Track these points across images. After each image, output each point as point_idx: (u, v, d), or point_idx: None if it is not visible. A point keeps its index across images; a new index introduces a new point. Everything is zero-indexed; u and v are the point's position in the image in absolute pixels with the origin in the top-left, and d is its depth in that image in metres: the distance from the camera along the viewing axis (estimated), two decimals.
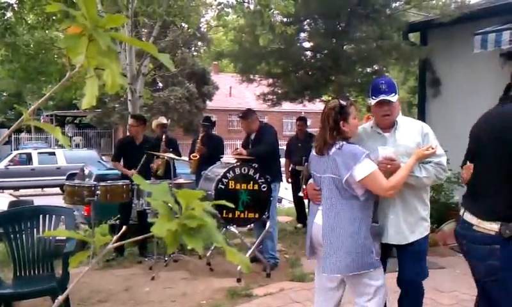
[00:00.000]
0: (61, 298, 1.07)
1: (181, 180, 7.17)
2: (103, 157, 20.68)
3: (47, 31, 11.71)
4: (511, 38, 6.68)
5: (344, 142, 3.38)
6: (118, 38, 1.20)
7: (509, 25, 6.91)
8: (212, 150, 7.64)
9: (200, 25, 16.44)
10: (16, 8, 9.77)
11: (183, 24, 13.94)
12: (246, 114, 6.87)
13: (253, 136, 6.83)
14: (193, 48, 25.46)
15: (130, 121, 7.52)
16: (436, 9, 8.95)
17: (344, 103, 3.47)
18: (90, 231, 7.18)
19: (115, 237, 1.17)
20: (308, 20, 10.02)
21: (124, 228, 1.25)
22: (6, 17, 9.89)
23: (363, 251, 3.36)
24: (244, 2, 8.65)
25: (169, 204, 1.13)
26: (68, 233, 1.17)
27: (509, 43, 6.76)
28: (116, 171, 8.39)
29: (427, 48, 9.24)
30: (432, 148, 3.42)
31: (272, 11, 7.68)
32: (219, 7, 9.54)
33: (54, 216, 4.99)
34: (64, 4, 1.18)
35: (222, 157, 7.09)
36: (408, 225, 3.55)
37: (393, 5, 9.95)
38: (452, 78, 8.88)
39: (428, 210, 3.67)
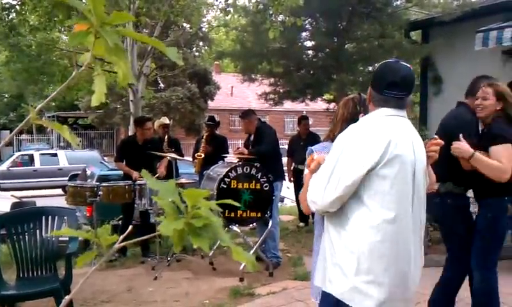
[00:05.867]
0: (68, 298, 1.07)
1: (183, 180, 7.16)
2: (105, 158, 20.69)
3: (48, 32, 11.73)
4: None
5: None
6: (125, 35, 1.20)
7: (511, 22, 6.90)
8: (216, 150, 7.65)
9: (202, 26, 16.47)
10: (18, 9, 9.79)
11: (184, 24, 13.97)
12: (246, 114, 6.97)
13: (252, 136, 6.87)
14: (194, 49, 25.49)
15: (148, 124, 7.44)
16: (437, 7, 8.94)
17: (365, 96, 2.88)
18: (93, 231, 7.18)
19: (121, 237, 1.17)
20: (309, 19, 10.02)
21: (130, 227, 1.24)
22: (9, 18, 9.92)
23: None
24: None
25: (176, 204, 1.13)
26: (75, 232, 1.16)
27: (511, 41, 6.75)
28: (118, 172, 8.39)
29: (428, 46, 9.23)
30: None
31: (279, 3, 7.66)
32: (220, 7, 9.57)
33: (56, 217, 4.99)
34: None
35: (226, 157, 7.10)
36: (325, 262, 2.52)
37: (395, 3, 9.97)
38: (453, 76, 8.87)
39: (343, 259, 2.38)
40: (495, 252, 4.05)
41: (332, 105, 11.85)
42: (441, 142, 2.68)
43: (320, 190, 2.37)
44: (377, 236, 2.31)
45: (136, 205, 6.91)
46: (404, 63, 2.52)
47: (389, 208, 2.32)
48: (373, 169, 2.31)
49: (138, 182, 6.73)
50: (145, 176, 1.22)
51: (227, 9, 9.99)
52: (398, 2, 10.07)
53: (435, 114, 9.13)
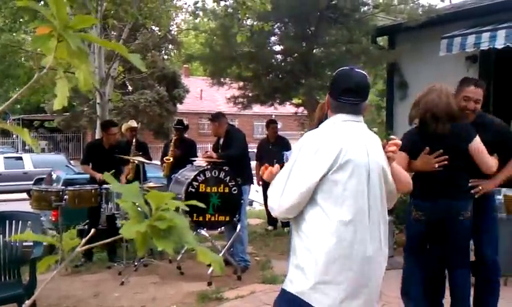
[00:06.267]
0: (28, 302, 1.05)
1: (151, 184, 7.11)
2: (71, 162, 20.35)
3: (14, 34, 11.53)
4: (476, 42, 6.84)
5: None
6: (87, 39, 1.19)
7: (474, 29, 7.08)
8: (185, 153, 7.63)
9: (171, 28, 16.39)
10: None
11: (153, 27, 13.88)
12: (216, 117, 6.92)
13: (221, 140, 6.86)
14: (163, 51, 25.33)
15: (113, 129, 7.34)
16: (403, 13, 9.09)
17: None
18: (58, 236, 7.06)
19: (83, 241, 1.16)
20: (278, 24, 10.07)
21: (92, 231, 1.23)
22: None
23: None
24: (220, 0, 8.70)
25: (139, 206, 1.12)
26: (37, 236, 1.15)
27: (474, 47, 6.92)
28: (84, 176, 8.26)
29: (394, 51, 9.37)
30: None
31: (247, 7, 7.69)
32: (189, 10, 9.56)
33: (20, 222, 4.91)
34: (35, 2, 1.15)
35: (195, 161, 7.07)
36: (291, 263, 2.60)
37: (362, 9, 10.09)
38: (419, 81, 9.00)
39: (303, 260, 2.45)
40: (408, 250, 4.27)
41: (300, 109, 11.93)
42: (399, 142, 2.73)
43: (277, 197, 2.47)
44: (332, 238, 2.37)
45: (102, 209, 6.84)
46: (358, 70, 2.59)
47: (343, 210, 2.39)
48: (326, 175, 2.38)
49: (105, 186, 6.65)
50: (108, 179, 1.20)
51: (196, 12, 9.98)
52: (365, 8, 10.20)
53: (401, 119, 9.25)
